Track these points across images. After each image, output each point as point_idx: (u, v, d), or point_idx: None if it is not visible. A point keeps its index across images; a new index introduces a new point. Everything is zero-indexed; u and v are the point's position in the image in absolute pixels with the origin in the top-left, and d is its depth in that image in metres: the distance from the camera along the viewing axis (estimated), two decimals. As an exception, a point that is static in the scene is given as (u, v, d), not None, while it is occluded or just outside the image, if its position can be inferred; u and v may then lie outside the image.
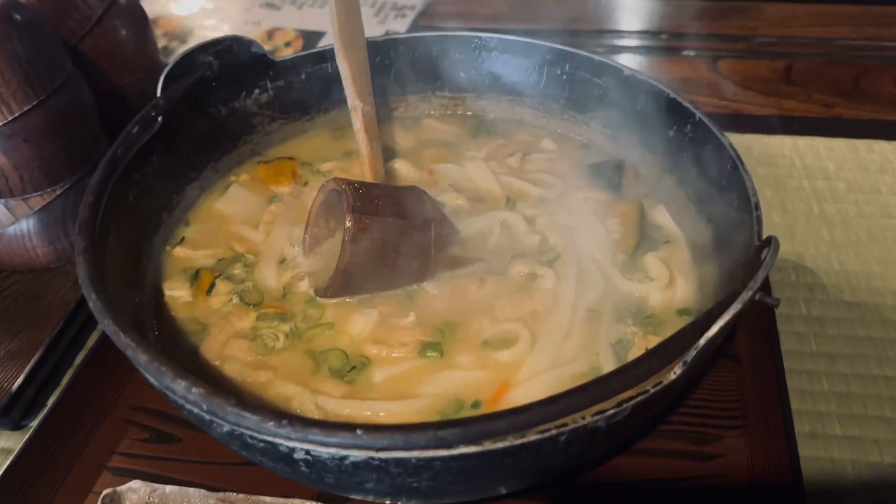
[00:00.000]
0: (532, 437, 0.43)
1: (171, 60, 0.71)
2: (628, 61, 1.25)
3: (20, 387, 0.70)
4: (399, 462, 0.44)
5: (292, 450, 0.44)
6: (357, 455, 0.43)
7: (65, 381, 0.73)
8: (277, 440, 0.44)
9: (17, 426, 0.69)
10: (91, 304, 0.51)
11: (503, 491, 0.55)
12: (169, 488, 0.61)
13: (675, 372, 0.46)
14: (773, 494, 0.59)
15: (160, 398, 0.68)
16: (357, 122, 0.72)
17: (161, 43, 1.30)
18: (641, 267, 0.66)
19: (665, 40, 1.31)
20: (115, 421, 0.68)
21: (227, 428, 0.46)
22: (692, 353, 0.45)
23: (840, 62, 1.21)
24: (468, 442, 0.42)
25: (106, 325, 0.50)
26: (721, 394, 0.68)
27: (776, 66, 1.20)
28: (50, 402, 0.71)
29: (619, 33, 1.33)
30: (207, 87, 0.74)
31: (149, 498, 0.60)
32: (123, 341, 0.48)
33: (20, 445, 0.64)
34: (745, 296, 0.46)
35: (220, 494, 0.60)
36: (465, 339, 0.61)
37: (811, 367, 0.73)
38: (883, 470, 0.65)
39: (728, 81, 1.17)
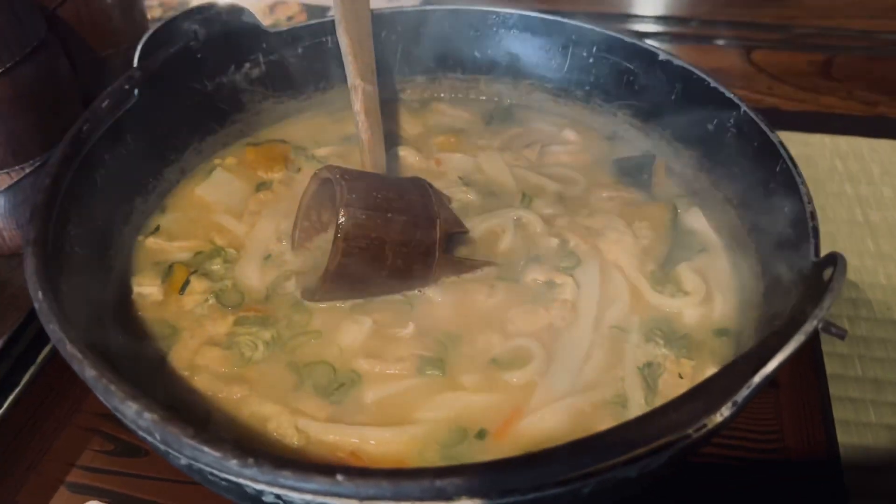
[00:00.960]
0: (551, 490, 0.36)
1: (152, 28, 0.63)
2: (674, 48, 1.17)
3: (-28, 387, 0.63)
4: (388, 513, 0.36)
5: (260, 492, 0.37)
6: (336, 504, 0.36)
7: (24, 380, 0.66)
8: (242, 481, 0.36)
9: (-33, 431, 0.62)
10: (37, 306, 0.44)
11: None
12: (130, 512, 0.54)
13: (723, 414, 0.38)
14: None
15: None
16: (357, 104, 0.64)
17: (156, 13, 1.22)
18: (674, 278, 0.58)
19: (695, 27, 1.22)
20: (77, 429, 0.61)
21: (184, 461, 0.38)
22: (744, 392, 0.38)
23: (884, 57, 1.13)
24: (472, 495, 0.35)
25: (51, 330, 0.42)
26: (755, 423, 0.61)
27: (815, 60, 1.12)
28: (5, 403, 0.64)
29: (646, 18, 1.25)
30: (192, 58, 0.66)
31: (106, 523, 0.53)
32: (68, 351, 0.41)
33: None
34: (809, 326, 0.38)
35: (187, 520, 0.53)
36: (471, 355, 0.53)
37: (855, 395, 0.66)
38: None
39: (763, 74, 1.09)
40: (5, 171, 0.72)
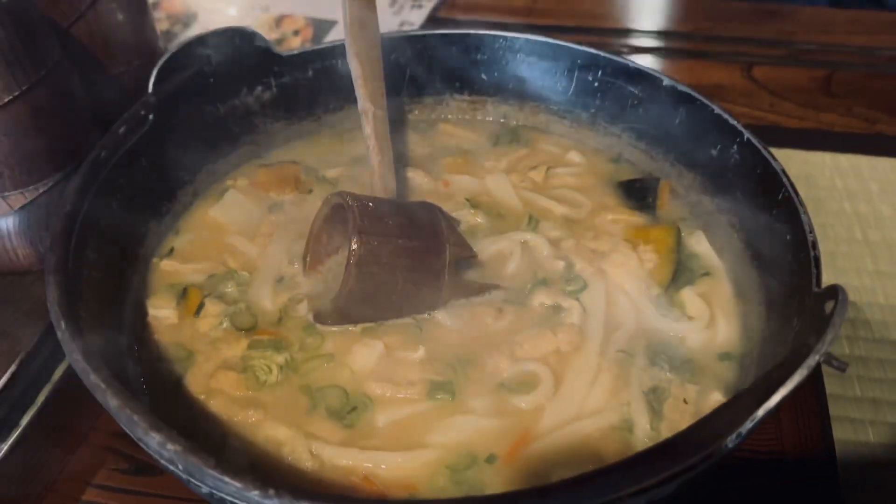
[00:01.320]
0: (561, 521, 0.37)
1: (166, 53, 0.64)
2: (655, 64, 1.19)
3: (-11, 407, 0.64)
4: (404, 543, 0.38)
5: (281, 523, 0.38)
6: (356, 534, 0.37)
7: (41, 399, 0.67)
8: (264, 511, 0.38)
9: (-16, 450, 0.63)
10: (60, 335, 0.45)
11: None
12: (145, 532, 0.55)
13: (727, 445, 0.40)
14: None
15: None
16: (367, 128, 0.65)
17: (164, 26, 1.23)
18: (678, 302, 0.60)
19: (696, 43, 1.24)
20: (93, 447, 0.63)
21: (205, 490, 0.39)
22: (748, 425, 0.39)
23: (884, 74, 1.14)
24: (488, 528, 0.36)
25: (75, 360, 0.44)
26: (754, 438, 0.62)
27: (815, 76, 1.13)
28: (23, 422, 0.65)
29: (648, 34, 1.26)
30: (205, 82, 0.67)
31: (122, 542, 0.55)
32: (92, 382, 0.42)
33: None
34: (811, 361, 0.40)
35: (201, 540, 0.54)
36: (480, 379, 0.54)
37: (854, 415, 0.67)
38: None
39: (764, 91, 1.10)
40: (20, 190, 0.73)
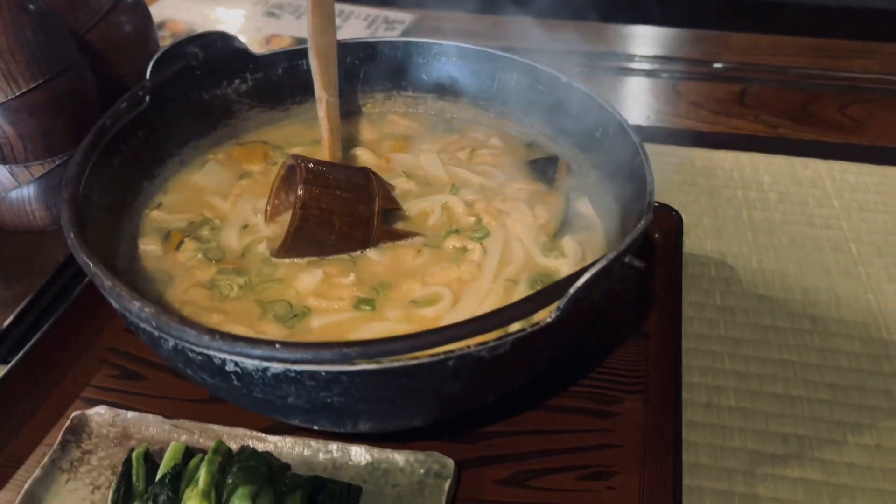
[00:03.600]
0: (424, 359, 0.52)
1: (162, 49, 0.81)
2: (601, 80, 1.35)
3: (8, 326, 0.79)
4: (311, 375, 0.52)
5: (224, 362, 0.53)
6: (276, 367, 0.52)
7: (49, 323, 0.82)
8: (211, 352, 0.53)
9: (5, 361, 0.78)
10: (69, 241, 0.60)
11: (418, 422, 0.64)
12: (130, 414, 0.69)
13: (552, 316, 0.54)
14: (657, 448, 0.67)
15: (133, 342, 0.78)
16: (321, 111, 0.82)
17: (167, 42, 1.40)
18: (559, 247, 0.75)
19: (637, 62, 1.40)
20: (91, 359, 0.78)
21: (171, 343, 0.54)
22: (564, 300, 0.54)
23: (793, 88, 1.30)
24: (367, 357, 0.51)
25: (80, 257, 0.59)
26: (629, 364, 0.77)
27: (732, 90, 1.30)
28: (35, 338, 0.80)
29: (595, 55, 1.43)
30: (192, 74, 0.84)
31: (112, 420, 0.69)
32: (93, 270, 0.57)
33: (3, 372, 0.73)
34: (611, 255, 0.55)
35: (175, 421, 0.69)
36: (397, 298, 0.69)
37: (716, 349, 0.82)
38: (767, 437, 0.73)
39: (684, 100, 1.27)
40: (39, 162, 0.89)
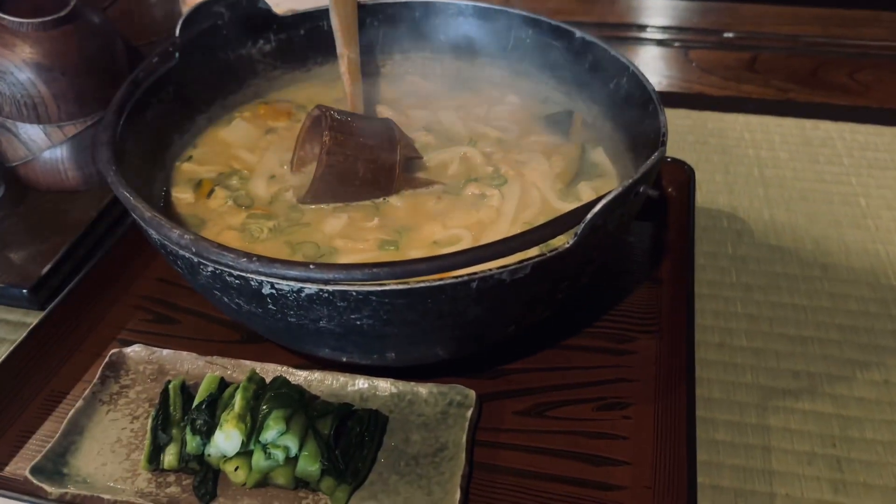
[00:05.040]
0: (448, 280, 0.55)
1: (190, 8, 0.84)
2: (615, 48, 1.37)
3: (46, 274, 0.83)
4: (343, 295, 0.55)
5: (260, 284, 0.56)
6: (310, 288, 0.55)
7: (82, 273, 0.85)
8: (249, 275, 0.56)
9: (43, 307, 0.82)
10: (109, 179, 0.63)
11: (441, 353, 0.67)
12: (165, 351, 0.73)
13: (569, 242, 0.57)
14: (671, 381, 0.70)
15: (166, 289, 0.81)
16: (343, 66, 0.84)
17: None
18: (574, 193, 0.77)
19: (649, 32, 1.42)
20: (125, 306, 0.81)
21: (210, 268, 0.57)
22: (581, 226, 0.57)
23: (802, 55, 1.32)
24: (395, 277, 0.54)
25: (120, 192, 0.62)
26: (643, 307, 0.80)
27: (742, 57, 1.32)
28: (70, 285, 0.83)
29: (609, 25, 1.45)
30: (219, 34, 0.87)
31: (148, 358, 0.73)
32: (133, 203, 0.60)
33: (43, 314, 0.76)
34: (626, 183, 0.57)
35: (208, 358, 0.72)
36: (419, 238, 0.72)
37: (728, 294, 0.84)
38: (779, 374, 0.75)
39: (696, 67, 1.29)
40: (72, 122, 0.93)
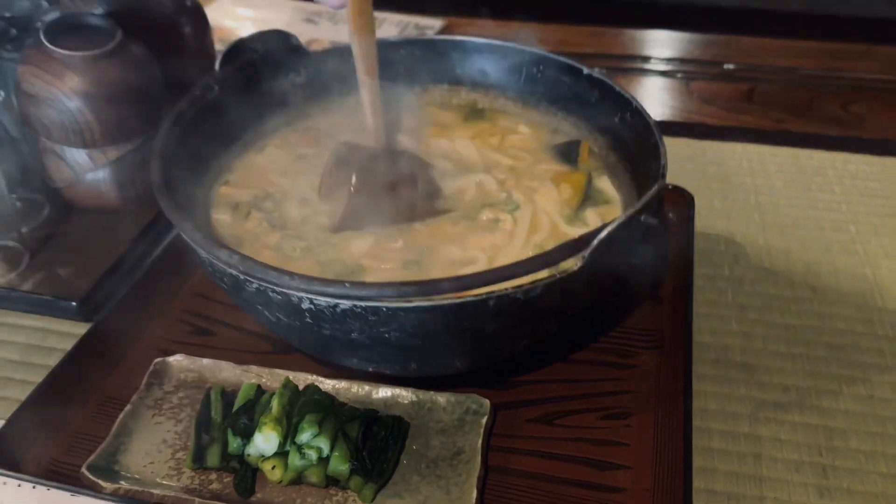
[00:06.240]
0: (468, 297, 0.61)
1: (229, 45, 0.91)
2: (619, 79, 1.43)
3: (92, 289, 0.90)
4: (374, 311, 0.62)
5: (300, 300, 0.63)
6: (345, 303, 0.61)
7: (129, 287, 0.92)
8: (291, 291, 0.62)
9: (88, 318, 0.89)
10: (162, 203, 0.70)
11: (459, 364, 0.73)
12: (206, 361, 0.79)
13: (578, 264, 0.64)
14: (669, 393, 0.76)
15: (204, 304, 0.88)
16: (365, 95, 0.91)
17: (217, 47, 1.52)
18: (582, 218, 0.84)
19: (653, 64, 1.50)
20: (167, 319, 0.88)
21: (255, 285, 0.64)
22: (589, 250, 0.63)
23: (799, 87, 1.39)
24: (422, 295, 0.60)
25: (172, 215, 0.69)
26: (645, 324, 0.86)
27: (740, 88, 1.38)
28: (120, 295, 0.90)
29: (615, 56, 1.53)
30: (253, 68, 0.94)
31: (189, 366, 0.79)
32: (184, 225, 0.67)
33: (91, 325, 0.83)
34: (630, 212, 0.64)
35: (244, 367, 0.79)
36: (439, 258, 0.79)
37: (724, 313, 0.90)
38: (770, 388, 0.81)
39: (697, 98, 1.36)
40: (115, 146, 1.00)
